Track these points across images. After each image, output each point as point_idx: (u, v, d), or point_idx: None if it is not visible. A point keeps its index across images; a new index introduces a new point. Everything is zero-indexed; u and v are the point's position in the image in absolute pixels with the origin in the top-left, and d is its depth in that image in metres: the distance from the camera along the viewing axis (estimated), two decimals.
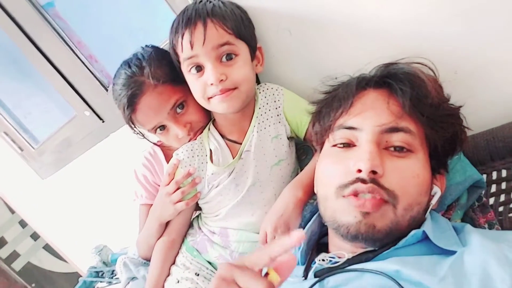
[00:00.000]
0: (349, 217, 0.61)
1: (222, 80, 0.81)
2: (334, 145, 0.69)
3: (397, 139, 0.63)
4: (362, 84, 0.70)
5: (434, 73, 0.70)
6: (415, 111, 0.64)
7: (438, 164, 0.68)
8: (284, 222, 0.81)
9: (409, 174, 0.62)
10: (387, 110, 0.65)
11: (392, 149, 0.63)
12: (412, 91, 0.64)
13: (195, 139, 0.94)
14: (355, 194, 0.61)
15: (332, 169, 0.67)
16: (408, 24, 0.82)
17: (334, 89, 0.76)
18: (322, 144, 0.74)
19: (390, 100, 0.65)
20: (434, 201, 0.67)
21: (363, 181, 0.60)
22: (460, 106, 0.69)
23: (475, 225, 0.75)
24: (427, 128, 0.65)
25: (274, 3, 0.90)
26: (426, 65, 0.70)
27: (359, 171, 0.61)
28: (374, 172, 0.60)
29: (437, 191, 0.68)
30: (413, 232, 0.60)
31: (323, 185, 0.69)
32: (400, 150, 0.63)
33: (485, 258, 0.52)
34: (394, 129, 0.63)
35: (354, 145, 0.66)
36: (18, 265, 2.53)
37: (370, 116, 0.65)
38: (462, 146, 0.71)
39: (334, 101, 0.72)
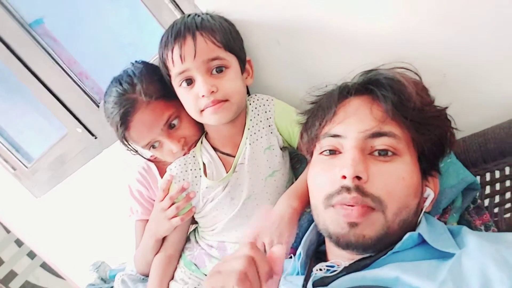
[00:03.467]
0: (337, 228, 0.62)
1: (213, 91, 0.81)
2: (321, 153, 0.69)
3: (381, 143, 0.63)
4: (344, 92, 0.71)
5: (418, 76, 0.71)
6: (399, 115, 0.64)
7: (428, 166, 0.68)
8: (280, 233, 0.80)
9: (394, 177, 0.62)
10: (370, 116, 0.65)
11: (376, 153, 0.63)
12: (394, 96, 0.65)
13: (189, 153, 0.94)
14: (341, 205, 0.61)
15: (319, 178, 0.68)
16: (396, 29, 0.82)
17: (319, 99, 0.76)
18: (311, 154, 0.74)
19: (373, 106, 0.66)
20: (427, 203, 0.67)
21: (347, 189, 0.61)
22: (446, 108, 0.69)
23: (471, 227, 0.75)
24: (412, 132, 0.65)
25: (262, 15, 0.90)
26: (409, 69, 0.70)
27: (344, 177, 0.61)
28: (358, 178, 0.60)
29: (430, 193, 0.68)
30: (408, 234, 0.60)
31: (313, 195, 0.70)
32: (385, 154, 0.63)
33: (483, 260, 0.52)
34: (378, 134, 0.63)
35: (340, 152, 0.66)
36: (15, 284, 2.49)
37: (353, 122, 0.66)
38: (452, 147, 0.71)
39: (319, 111, 0.72)
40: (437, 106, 0.70)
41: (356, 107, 0.68)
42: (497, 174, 0.81)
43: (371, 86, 0.68)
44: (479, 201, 0.79)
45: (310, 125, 0.74)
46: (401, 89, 0.65)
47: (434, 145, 0.67)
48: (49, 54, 1.29)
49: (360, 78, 0.72)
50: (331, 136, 0.67)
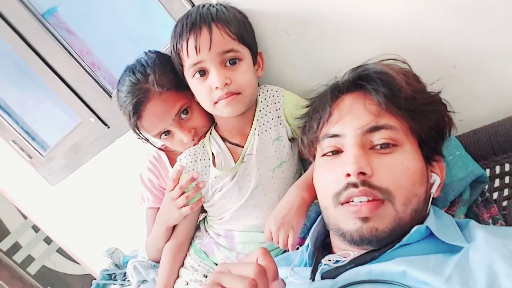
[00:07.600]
0: (349, 224, 0.63)
1: (227, 84, 0.82)
2: (324, 155, 0.70)
3: (380, 137, 0.64)
4: (336, 91, 0.71)
5: (408, 66, 0.71)
6: (392, 106, 0.65)
7: (431, 151, 0.68)
8: (288, 221, 0.81)
9: (398, 168, 0.62)
10: (364, 111, 0.66)
11: (378, 147, 0.64)
12: (385, 88, 0.65)
13: (198, 143, 0.95)
14: (350, 200, 0.62)
15: (325, 179, 0.69)
16: (406, 20, 0.82)
17: (313, 102, 0.77)
18: (314, 157, 0.75)
19: (366, 101, 0.67)
20: (434, 189, 0.68)
21: (354, 185, 0.61)
22: (439, 92, 0.69)
23: (479, 220, 0.75)
24: (408, 120, 0.65)
25: (271, 5, 0.90)
26: (398, 60, 0.71)
27: (348, 175, 0.62)
28: (363, 174, 0.61)
29: (436, 179, 0.69)
30: (416, 227, 0.60)
31: (321, 195, 0.71)
32: (386, 146, 0.64)
33: (490, 255, 0.52)
34: (375, 128, 0.64)
35: (342, 151, 0.67)
36: (33, 269, 2.57)
37: (349, 120, 0.66)
38: (450, 131, 0.71)
39: (314, 114, 0.73)
40: (430, 92, 0.70)
41: (350, 104, 0.69)
42: (507, 167, 0.80)
43: (361, 81, 0.69)
44: (487, 194, 0.78)
45: (308, 129, 0.75)
46: (390, 80, 0.66)
47: (432, 130, 0.68)
48: (63, 45, 1.31)
49: (350, 75, 0.73)
50: (330, 137, 0.68)
